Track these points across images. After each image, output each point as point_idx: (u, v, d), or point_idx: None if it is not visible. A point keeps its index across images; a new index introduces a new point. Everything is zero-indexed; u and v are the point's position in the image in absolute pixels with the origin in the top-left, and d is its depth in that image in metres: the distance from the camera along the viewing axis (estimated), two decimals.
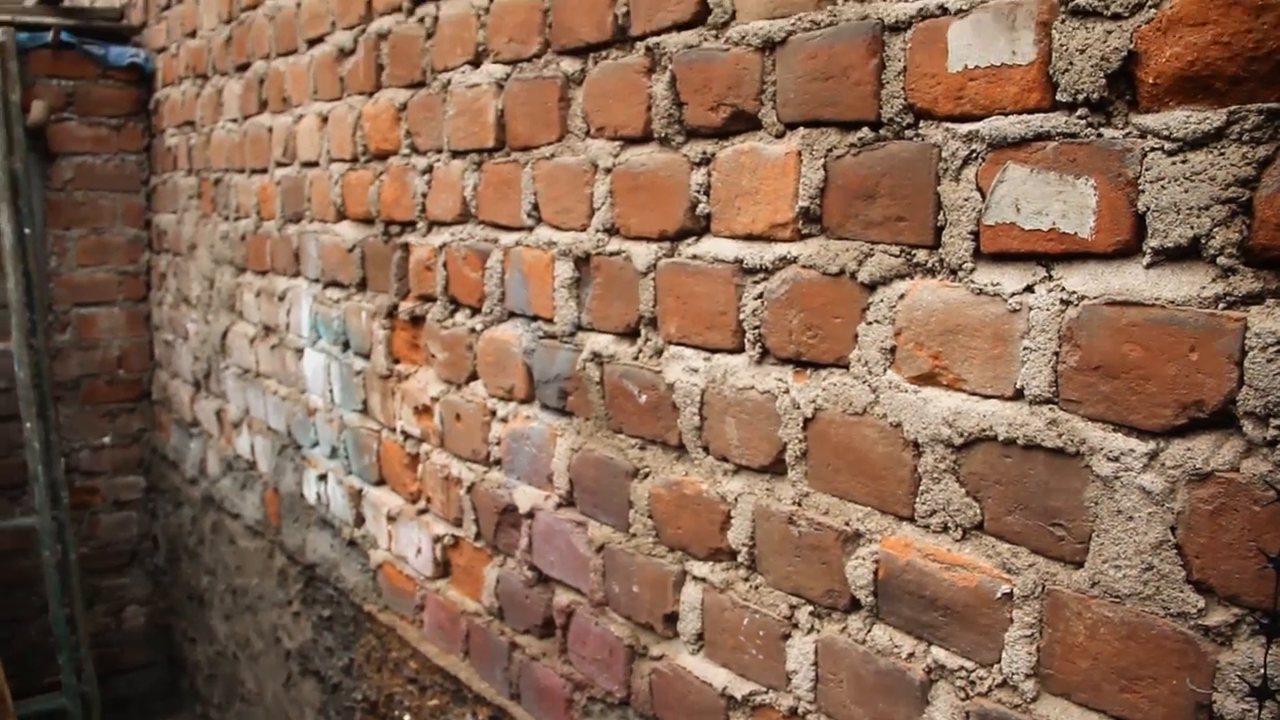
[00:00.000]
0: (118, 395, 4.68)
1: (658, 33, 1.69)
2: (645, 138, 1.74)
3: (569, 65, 1.90)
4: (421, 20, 2.34)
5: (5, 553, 4.42)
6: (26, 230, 4.13)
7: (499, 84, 2.09)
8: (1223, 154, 1.03)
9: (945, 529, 1.33)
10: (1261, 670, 1.04)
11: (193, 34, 3.90)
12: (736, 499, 1.63)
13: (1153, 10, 1.08)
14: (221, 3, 3.57)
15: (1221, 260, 1.05)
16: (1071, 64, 1.15)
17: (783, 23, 1.48)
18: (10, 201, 4.08)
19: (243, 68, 3.43)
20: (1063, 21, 1.16)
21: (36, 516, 4.09)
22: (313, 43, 2.90)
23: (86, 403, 4.62)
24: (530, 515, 2.11)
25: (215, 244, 3.79)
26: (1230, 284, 1.04)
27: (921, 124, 1.31)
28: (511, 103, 2.06)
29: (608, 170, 1.82)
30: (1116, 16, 1.11)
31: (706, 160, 1.63)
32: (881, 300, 1.38)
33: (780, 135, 1.50)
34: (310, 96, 2.93)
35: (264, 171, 3.31)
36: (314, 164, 2.95)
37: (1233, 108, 1.03)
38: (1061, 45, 1.16)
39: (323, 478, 3.07)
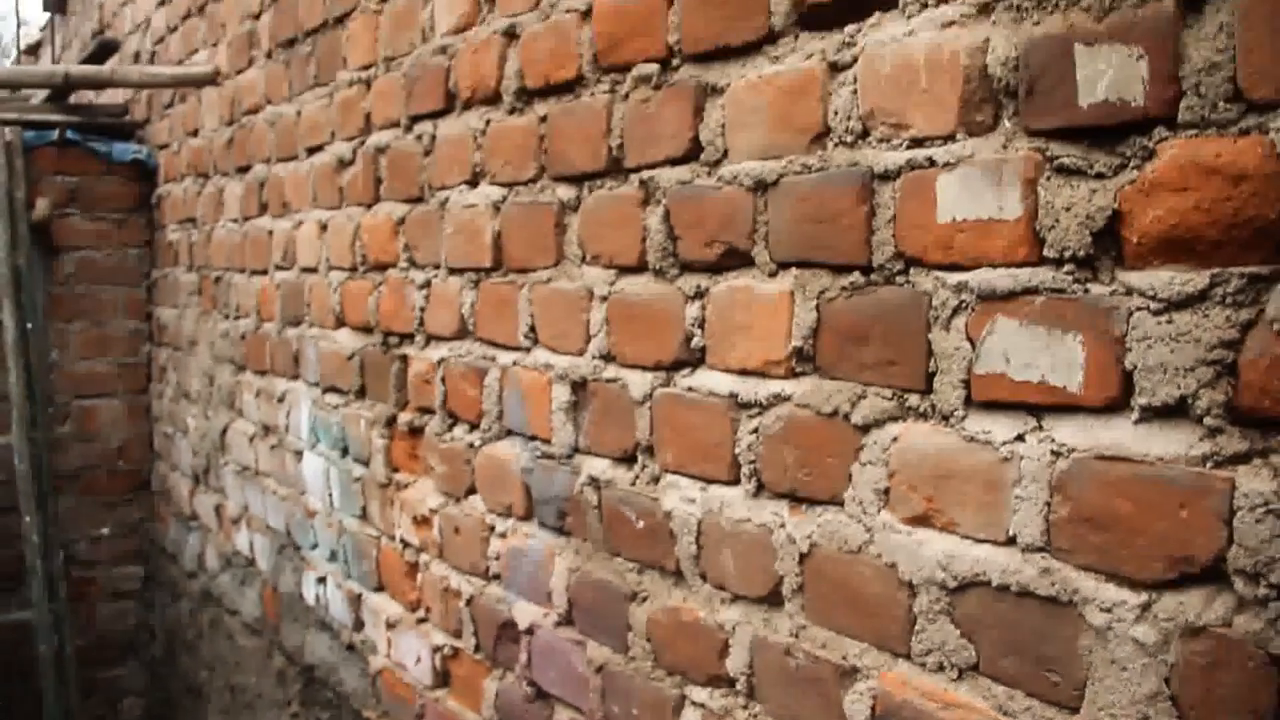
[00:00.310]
0: (117, 487, 4.68)
1: (651, 166, 1.72)
2: (640, 268, 1.76)
3: (564, 192, 1.93)
4: (419, 138, 2.38)
5: (1, 645, 4.39)
6: (29, 324, 4.17)
7: (496, 205, 2.12)
8: (1207, 315, 1.05)
9: (941, 668, 1.33)
10: None
11: (194, 133, 3.96)
12: (734, 628, 1.63)
13: (1135, 172, 1.10)
14: (223, 105, 3.62)
15: (1209, 420, 1.06)
16: (1058, 220, 1.17)
17: (774, 164, 1.50)
18: (13, 297, 4.12)
19: (243, 169, 3.47)
20: (1048, 179, 1.18)
21: (34, 610, 4.08)
22: (312, 151, 2.94)
23: (86, 494, 4.61)
24: (530, 631, 2.11)
25: (215, 341, 3.81)
26: (1218, 444, 1.05)
27: (912, 271, 1.33)
28: (508, 225, 2.09)
29: (603, 298, 1.84)
30: (1100, 176, 1.13)
31: (700, 294, 1.64)
32: (875, 442, 1.39)
33: (773, 274, 1.52)
34: (310, 203, 2.97)
35: (264, 273, 3.34)
36: (313, 270, 2.97)
37: (1215, 270, 1.04)
38: (1048, 202, 1.17)
39: (322, 580, 3.06)
